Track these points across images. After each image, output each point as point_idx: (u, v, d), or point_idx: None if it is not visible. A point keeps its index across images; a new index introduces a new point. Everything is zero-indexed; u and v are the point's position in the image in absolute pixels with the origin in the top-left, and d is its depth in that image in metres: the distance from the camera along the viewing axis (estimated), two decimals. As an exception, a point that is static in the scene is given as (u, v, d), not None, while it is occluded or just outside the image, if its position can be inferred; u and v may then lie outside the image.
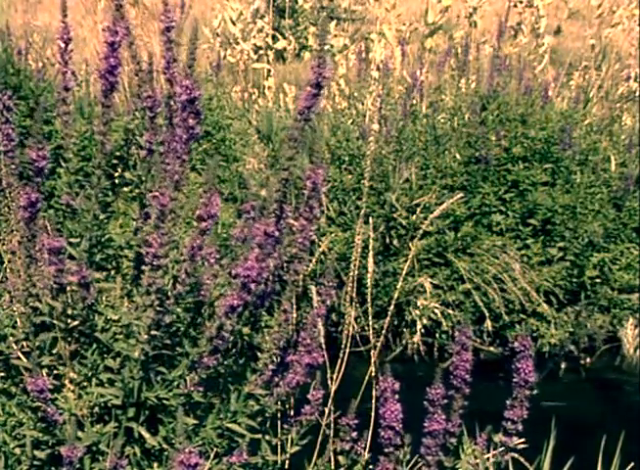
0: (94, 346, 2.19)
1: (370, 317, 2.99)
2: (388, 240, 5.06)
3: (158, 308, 2.02)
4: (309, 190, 2.10)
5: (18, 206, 2.12)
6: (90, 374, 2.18)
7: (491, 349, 5.07)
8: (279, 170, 2.12)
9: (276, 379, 2.22)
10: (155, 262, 1.98)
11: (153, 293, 2.01)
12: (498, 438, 2.32)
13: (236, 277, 1.98)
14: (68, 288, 2.17)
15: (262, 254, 2.00)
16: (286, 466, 2.40)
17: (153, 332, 2.04)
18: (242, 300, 1.99)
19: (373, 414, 2.50)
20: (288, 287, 2.19)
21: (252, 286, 1.98)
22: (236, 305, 1.99)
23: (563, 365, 5.06)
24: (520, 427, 2.28)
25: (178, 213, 2.00)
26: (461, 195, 4.01)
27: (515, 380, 2.27)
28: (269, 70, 8.42)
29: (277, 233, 2.04)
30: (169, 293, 2.07)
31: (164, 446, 2.10)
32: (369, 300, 3.05)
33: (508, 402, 2.28)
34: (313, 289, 4.10)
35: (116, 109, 5.84)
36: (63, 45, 2.33)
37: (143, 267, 2.05)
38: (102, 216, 2.29)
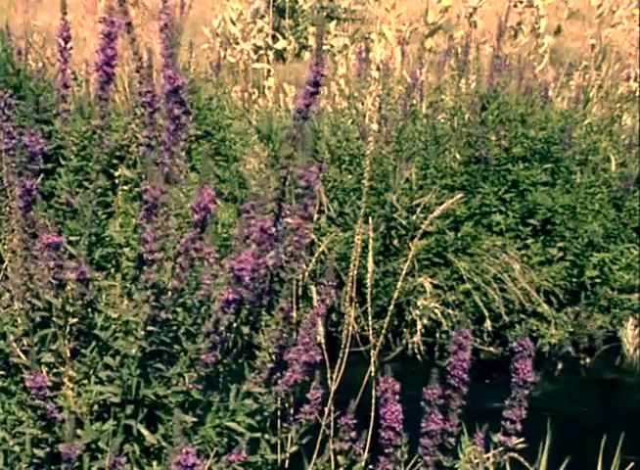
0: (93, 343, 2.19)
1: (370, 317, 2.98)
2: (388, 240, 5.06)
3: (153, 304, 2.02)
4: (303, 188, 2.10)
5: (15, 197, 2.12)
6: (89, 372, 2.18)
7: (491, 349, 5.07)
8: (279, 170, 2.13)
9: (275, 377, 2.22)
10: (149, 257, 1.98)
11: (149, 288, 2.01)
12: (497, 438, 2.32)
13: (230, 271, 1.98)
14: (68, 286, 2.17)
15: (259, 250, 2.00)
16: (285, 465, 2.39)
17: (149, 328, 2.04)
18: (237, 294, 1.98)
19: (373, 414, 2.50)
20: (285, 285, 2.20)
21: (247, 279, 1.98)
22: (231, 299, 1.98)
23: (560, 366, 5.06)
24: (519, 427, 2.28)
25: (171, 207, 2.00)
26: (461, 195, 4.01)
27: (513, 380, 2.27)
28: (269, 70, 8.42)
29: (273, 230, 2.04)
30: (166, 288, 2.06)
31: (163, 443, 2.10)
32: (369, 300, 3.05)
33: (507, 402, 2.29)
34: (313, 289, 4.10)
35: (117, 109, 5.84)
36: (62, 43, 2.33)
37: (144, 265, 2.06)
38: (101, 213, 2.29)
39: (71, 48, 2.37)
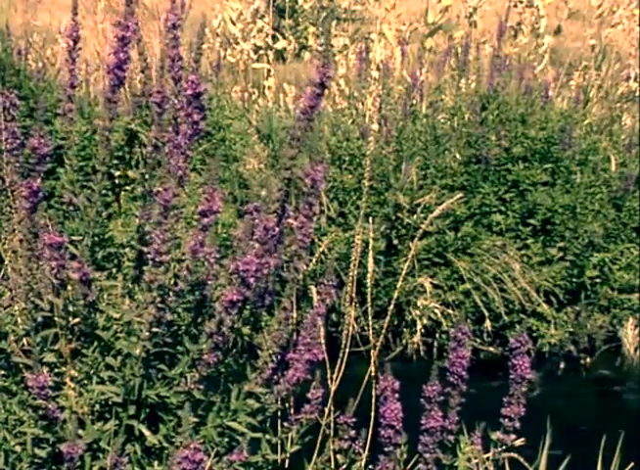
0: (95, 343, 2.19)
1: (370, 317, 2.98)
2: (390, 240, 5.07)
3: (159, 305, 2.02)
4: (309, 187, 2.10)
5: (20, 198, 2.12)
6: (91, 372, 2.18)
7: (491, 349, 5.07)
8: (279, 170, 2.13)
9: (276, 377, 2.22)
10: (157, 259, 1.98)
11: (154, 289, 2.02)
12: (496, 435, 2.32)
13: (235, 272, 1.98)
14: (69, 286, 2.17)
15: (262, 249, 2.01)
16: (286, 465, 2.40)
17: (154, 329, 2.04)
18: (241, 295, 1.99)
19: (372, 414, 2.50)
20: (288, 285, 2.20)
21: (252, 281, 1.98)
22: (235, 301, 1.99)
23: (560, 365, 5.06)
24: (517, 424, 2.28)
25: (181, 210, 2.00)
26: (461, 195, 4.01)
27: (511, 376, 2.28)
28: (269, 70, 8.42)
29: (277, 230, 2.04)
30: (171, 290, 2.07)
31: (165, 444, 2.10)
32: (369, 300, 3.05)
33: (505, 399, 2.29)
34: (313, 289, 4.10)
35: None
36: (71, 43, 2.31)
37: (145, 266, 2.06)
38: (104, 214, 2.29)
39: (80, 48, 2.36)
